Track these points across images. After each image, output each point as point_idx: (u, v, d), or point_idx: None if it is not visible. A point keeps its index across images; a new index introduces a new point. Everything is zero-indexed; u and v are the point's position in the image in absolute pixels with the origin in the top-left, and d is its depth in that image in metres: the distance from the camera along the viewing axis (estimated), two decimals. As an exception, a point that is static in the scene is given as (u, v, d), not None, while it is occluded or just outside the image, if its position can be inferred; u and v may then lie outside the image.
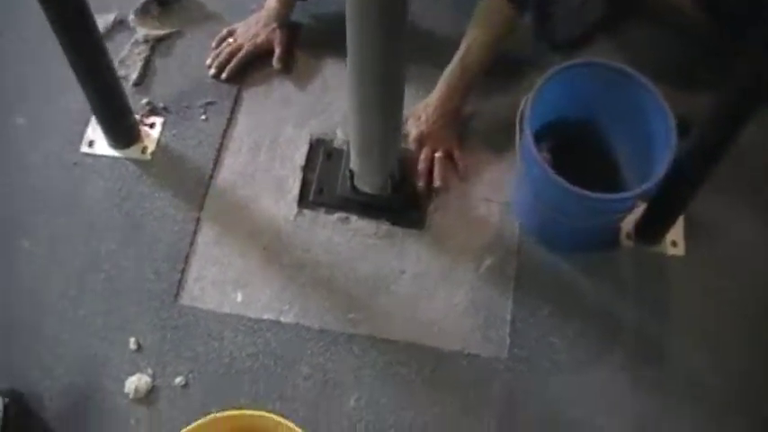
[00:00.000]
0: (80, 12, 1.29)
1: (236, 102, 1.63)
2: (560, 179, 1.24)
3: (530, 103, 1.28)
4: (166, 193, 1.53)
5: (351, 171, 1.46)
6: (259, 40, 1.64)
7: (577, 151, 1.43)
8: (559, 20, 1.62)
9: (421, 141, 1.52)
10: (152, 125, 1.60)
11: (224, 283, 1.44)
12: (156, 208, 1.51)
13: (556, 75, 1.30)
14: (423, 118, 1.52)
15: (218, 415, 1.06)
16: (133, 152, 1.57)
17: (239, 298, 1.43)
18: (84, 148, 1.57)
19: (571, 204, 1.32)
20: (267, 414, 1.03)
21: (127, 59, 1.66)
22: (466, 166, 1.53)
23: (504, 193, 1.52)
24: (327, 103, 1.61)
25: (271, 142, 1.58)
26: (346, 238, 1.48)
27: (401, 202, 1.49)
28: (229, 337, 1.39)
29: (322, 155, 1.56)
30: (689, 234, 1.46)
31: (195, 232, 1.49)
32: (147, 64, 1.66)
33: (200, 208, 1.51)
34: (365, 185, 1.47)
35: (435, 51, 1.57)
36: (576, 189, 1.24)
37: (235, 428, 1.06)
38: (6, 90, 1.65)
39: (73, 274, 1.45)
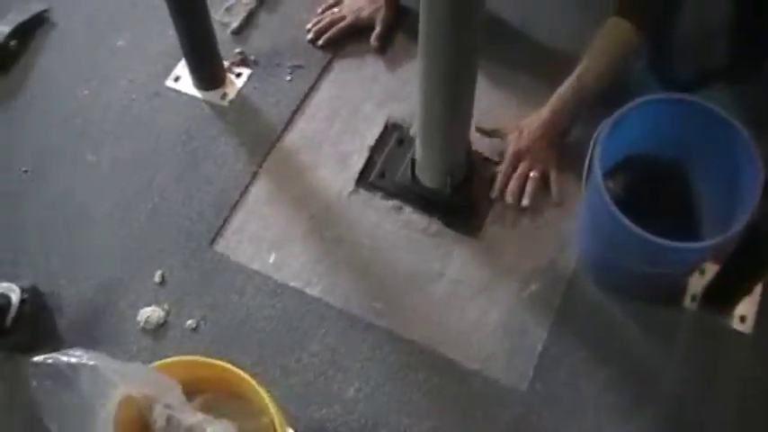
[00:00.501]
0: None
1: (325, 70, 1.60)
2: (621, 216, 1.13)
3: (604, 133, 1.18)
4: (232, 141, 1.52)
5: (413, 160, 1.40)
6: (363, 14, 1.61)
7: (654, 192, 1.31)
8: (677, 55, 1.50)
9: (518, 157, 1.43)
10: (239, 74, 1.60)
11: (261, 241, 1.41)
12: (220, 153, 1.51)
13: (640, 106, 1.19)
14: (525, 133, 1.44)
15: (185, 359, 1.02)
16: (213, 96, 1.58)
17: (272, 259, 1.40)
18: (170, 82, 1.59)
19: (632, 246, 1.20)
20: (235, 369, 0.98)
21: (233, 8, 1.68)
22: (561, 190, 1.44)
23: (570, 222, 1.41)
24: (411, 90, 1.54)
25: (347, 116, 1.54)
26: (395, 227, 1.42)
27: (460, 204, 1.41)
28: (251, 293, 1.36)
29: (393, 140, 1.51)
30: (763, 310, 1.31)
31: (249, 185, 1.47)
32: (251, 15, 1.67)
33: (261, 163, 1.50)
34: (425, 178, 1.41)
35: (549, 65, 1.51)
36: (638, 230, 1.13)
37: (207, 376, 1.02)
38: (116, 13, 1.70)
39: (123, 197, 1.46)
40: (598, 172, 1.16)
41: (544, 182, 1.43)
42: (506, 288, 1.36)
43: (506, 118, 1.47)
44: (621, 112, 1.19)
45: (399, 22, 1.63)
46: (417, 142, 1.35)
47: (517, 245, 1.40)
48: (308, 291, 1.36)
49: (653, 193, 1.30)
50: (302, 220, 1.44)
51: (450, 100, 1.19)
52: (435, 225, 1.42)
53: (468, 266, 1.38)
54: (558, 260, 1.38)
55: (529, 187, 1.41)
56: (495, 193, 1.42)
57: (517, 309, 1.34)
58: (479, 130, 1.45)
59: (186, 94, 1.58)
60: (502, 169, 1.43)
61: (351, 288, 1.37)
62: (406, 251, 1.40)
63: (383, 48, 1.61)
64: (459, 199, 1.41)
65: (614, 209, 1.13)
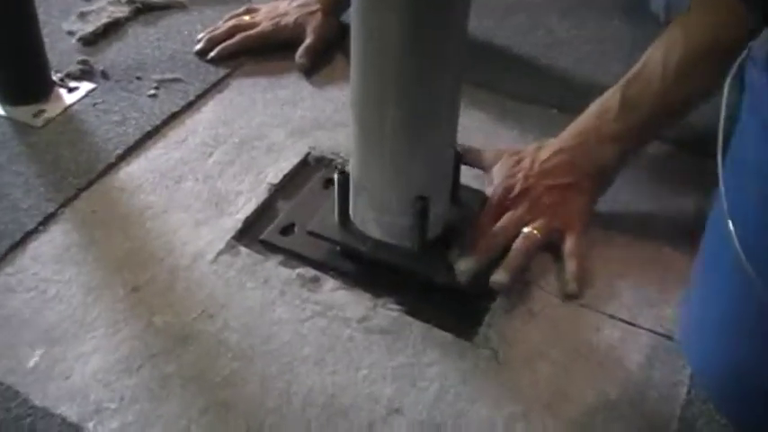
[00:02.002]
0: None
1: (215, 87, 0.97)
2: None
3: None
4: (28, 171, 0.84)
5: (344, 196, 0.72)
6: (284, 21, 1.02)
7: None
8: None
9: (506, 197, 0.77)
10: (72, 89, 0.96)
11: (23, 326, 0.68)
12: (4, 184, 0.82)
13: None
14: (527, 163, 0.79)
15: None
16: (21, 113, 0.93)
17: (33, 360, 0.65)
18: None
19: None
20: None
21: (90, 15, 1.08)
22: (582, 272, 0.74)
23: (658, 312, 0.71)
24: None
25: (239, 143, 0.88)
26: (302, 315, 0.70)
27: (439, 271, 0.71)
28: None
29: (315, 180, 0.84)
30: None
31: (34, 231, 0.77)
32: (115, 24, 1.07)
33: (68, 202, 0.80)
34: (371, 225, 0.72)
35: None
36: None
37: None
38: None
39: None
40: None
41: (550, 250, 0.75)
42: (535, 445, 0.61)
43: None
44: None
45: (339, 37, 1.03)
46: (355, 149, 0.68)
47: (556, 355, 0.67)
48: (90, 428, 0.60)
49: None
50: (113, 296, 0.71)
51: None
52: (387, 313, 0.70)
53: (457, 398, 0.64)
54: (647, 386, 0.65)
55: (516, 252, 0.73)
56: (462, 266, 0.72)
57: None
58: None
59: (-22, 110, 0.93)
60: (480, 216, 0.76)
61: (185, 428, 0.61)
62: (319, 363, 0.66)
63: (311, 65, 1.00)
64: (439, 262, 0.71)
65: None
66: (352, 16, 0.63)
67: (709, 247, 0.64)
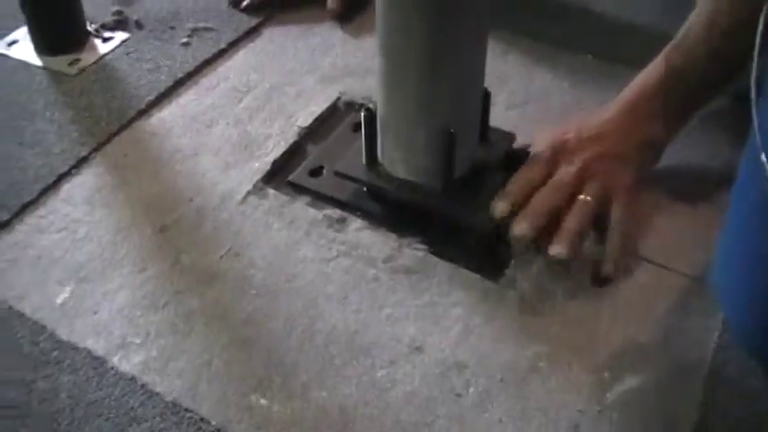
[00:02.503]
0: None
1: (247, 35, 0.96)
2: None
3: None
4: (62, 117, 0.85)
5: (373, 139, 0.71)
6: (318, -32, 1.00)
7: None
8: None
9: (554, 153, 0.73)
10: (107, 39, 0.97)
11: (52, 264, 0.69)
12: (35, 131, 0.83)
13: None
14: (576, 128, 0.75)
15: None
16: (58, 62, 0.94)
17: (61, 297, 0.66)
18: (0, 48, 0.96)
19: None
20: None
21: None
22: (628, 241, 0.71)
23: (692, 257, 0.68)
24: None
25: (270, 89, 0.88)
26: (327, 254, 0.69)
27: (465, 211, 0.70)
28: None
29: (345, 124, 0.83)
30: None
31: (66, 174, 0.78)
32: (151, -26, 1.07)
33: (101, 146, 0.81)
34: (397, 166, 0.70)
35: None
36: None
37: None
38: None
39: None
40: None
41: (597, 216, 0.71)
42: (568, 389, 0.60)
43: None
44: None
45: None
46: (380, 89, 0.67)
47: (584, 298, 0.66)
48: (114, 361, 0.61)
49: None
50: (141, 236, 0.71)
51: None
52: (412, 252, 0.69)
53: (480, 339, 0.63)
54: (679, 330, 0.63)
55: (574, 216, 0.70)
56: (497, 207, 0.69)
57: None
58: None
59: (18, 61, 0.95)
60: (522, 168, 0.73)
61: (207, 362, 0.61)
62: (343, 301, 0.65)
63: (344, 14, 0.98)
64: (466, 202, 0.69)
65: None
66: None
67: (740, 186, 0.61)
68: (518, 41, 0.95)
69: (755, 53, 0.56)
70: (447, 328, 0.63)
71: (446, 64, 0.64)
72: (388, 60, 0.66)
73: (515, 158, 0.75)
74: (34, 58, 0.95)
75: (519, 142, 0.77)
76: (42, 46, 0.96)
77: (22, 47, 0.97)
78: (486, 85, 0.71)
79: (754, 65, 0.56)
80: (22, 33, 0.98)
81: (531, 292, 0.66)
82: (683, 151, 0.77)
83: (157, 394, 0.59)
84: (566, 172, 0.71)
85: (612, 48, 0.93)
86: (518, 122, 0.82)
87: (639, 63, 0.77)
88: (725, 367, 0.61)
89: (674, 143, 0.75)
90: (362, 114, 0.70)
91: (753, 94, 0.55)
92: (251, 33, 0.97)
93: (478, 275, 0.67)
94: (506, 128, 0.78)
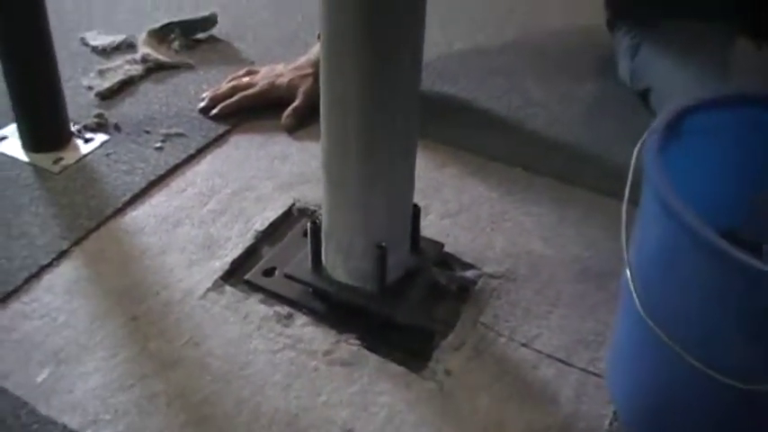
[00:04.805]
0: None
1: (215, 142, 1.09)
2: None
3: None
4: (46, 212, 0.96)
5: (317, 242, 0.83)
6: (279, 82, 1.15)
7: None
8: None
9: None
10: (88, 140, 1.09)
11: (34, 347, 0.79)
12: (21, 223, 0.94)
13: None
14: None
15: None
16: (43, 160, 1.06)
17: (41, 376, 0.76)
18: (-11, 142, 1.08)
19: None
20: None
21: (108, 72, 1.21)
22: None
23: (592, 353, 0.80)
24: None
25: (232, 194, 1.00)
26: (274, 346, 0.80)
27: (396, 312, 0.82)
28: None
29: (297, 229, 0.95)
30: None
31: (48, 266, 0.88)
32: (129, 82, 1.20)
33: (79, 241, 0.92)
34: (339, 270, 0.83)
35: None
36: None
37: None
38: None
39: None
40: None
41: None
42: (468, 466, 0.71)
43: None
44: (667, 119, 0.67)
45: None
46: (325, 195, 0.79)
47: (496, 389, 0.77)
48: (86, 435, 0.71)
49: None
50: (114, 324, 0.82)
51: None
52: (348, 347, 0.80)
53: (402, 423, 0.74)
54: (577, 417, 0.75)
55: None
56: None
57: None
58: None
59: (7, 156, 1.06)
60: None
61: (170, 438, 0.71)
62: (286, 388, 0.76)
63: (297, 126, 1.12)
64: (397, 303, 0.82)
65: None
66: (321, 83, 0.74)
67: (622, 299, 0.74)
68: (456, 154, 1.08)
69: (627, 189, 0.69)
70: (374, 413, 0.74)
71: (380, 181, 0.77)
72: (329, 178, 0.78)
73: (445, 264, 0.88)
74: (21, 155, 1.06)
75: (447, 249, 0.91)
76: (29, 143, 1.07)
77: (10, 143, 1.08)
78: (421, 194, 0.84)
79: (626, 198, 0.69)
80: (11, 130, 1.10)
81: (450, 383, 0.77)
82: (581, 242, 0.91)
83: (124, 466, 0.68)
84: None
85: (540, 161, 1.07)
86: (450, 231, 0.95)
87: (565, 176, 0.90)
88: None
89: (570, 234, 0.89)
90: (308, 225, 0.82)
91: (623, 229, 0.69)
92: (218, 140, 1.10)
93: (404, 368, 0.79)
94: (439, 236, 0.91)
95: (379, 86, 0.71)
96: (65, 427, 0.71)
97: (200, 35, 1.32)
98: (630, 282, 0.67)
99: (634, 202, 0.67)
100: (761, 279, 0.55)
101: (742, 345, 0.61)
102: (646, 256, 0.67)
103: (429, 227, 0.94)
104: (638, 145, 0.68)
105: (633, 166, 0.68)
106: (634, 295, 0.66)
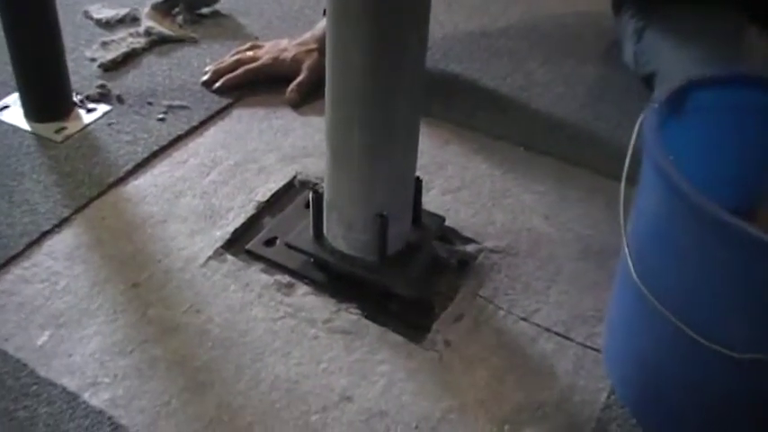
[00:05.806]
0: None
1: (218, 115, 1.09)
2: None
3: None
4: (47, 179, 0.96)
5: (320, 214, 0.83)
6: (283, 56, 1.14)
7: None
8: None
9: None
10: (90, 110, 1.09)
11: (34, 311, 0.79)
12: (23, 190, 0.94)
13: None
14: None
15: None
16: (45, 129, 1.05)
17: (42, 339, 0.76)
18: (-9, 111, 1.08)
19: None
20: None
21: (111, 44, 1.21)
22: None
23: (591, 328, 0.81)
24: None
25: (234, 165, 1.00)
26: (274, 314, 0.80)
27: (396, 283, 0.82)
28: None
29: (299, 201, 0.95)
30: None
31: (49, 232, 0.88)
32: (132, 54, 1.20)
33: (80, 209, 0.92)
34: (339, 240, 0.82)
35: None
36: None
37: None
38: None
39: None
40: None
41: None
42: (467, 435, 0.71)
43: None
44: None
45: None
46: (327, 168, 0.79)
47: (495, 360, 0.77)
48: (85, 397, 0.71)
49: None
50: (115, 290, 0.82)
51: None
52: (348, 316, 0.80)
53: (401, 392, 0.74)
54: (573, 390, 0.75)
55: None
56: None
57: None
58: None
59: (9, 125, 1.05)
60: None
61: (166, 402, 0.71)
62: (286, 355, 0.76)
63: (301, 101, 1.12)
64: (397, 274, 0.82)
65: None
66: (327, 56, 0.74)
67: (619, 273, 0.74)
68: (460, 132, 1.08)
69: (627, 161, 0.69)
70: (373, 381, 0.75)
71: (382, 154, 0.77)
72: (332, 149, 0.78)
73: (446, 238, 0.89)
74: (23, 124, 1.06)
75: (449, 224, 0.91)
76: (31, 113, 1.07)
77: (12, 112, 1.08)
78: (424, 170, 0.84)
79: (625, 173, 0.69)
80: (14, 99, 1.10)
81: (449, 354, 0.78)
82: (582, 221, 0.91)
83: (123, 427, 0.69)
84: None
85: (543, 141, 1.07)
86: (451, 206, 0.95)
87: (567, 156, 0.90)
88: (610, 424, 0.73)
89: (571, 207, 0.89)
90: (311, 195, 0.82)
91: (621, 202, 0.69)
92: (221, 113, 1.09)
93: (403, 338, 0.79)
94: (441, 211, 0.92)
95: (384, 63, 0.71)
96: (64, 388, 0.72)
97: (205, 10, 1.32)
98: (627, 252, 0.67)
99: (634, 180, 0.68)
100: (761, 249, 0.55)
101: (738, 315, 0.61)
102: (643, 227, 0.67)
103: (431, 202, 0.94)
104: (640, 119, 0.68)
105: (634, 140, 0.68)
106: (630, 265, 0.66)
